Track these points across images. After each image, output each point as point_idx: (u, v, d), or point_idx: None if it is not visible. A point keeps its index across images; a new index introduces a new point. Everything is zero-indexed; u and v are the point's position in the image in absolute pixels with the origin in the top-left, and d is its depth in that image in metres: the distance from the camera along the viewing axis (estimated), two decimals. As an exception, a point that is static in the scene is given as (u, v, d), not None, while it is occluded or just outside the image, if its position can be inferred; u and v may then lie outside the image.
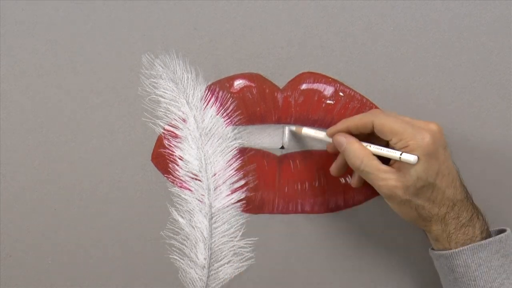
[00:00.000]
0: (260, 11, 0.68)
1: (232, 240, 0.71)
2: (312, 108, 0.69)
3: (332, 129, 0.66)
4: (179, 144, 0.69)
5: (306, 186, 0.70)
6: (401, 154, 0.60)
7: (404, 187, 0.61)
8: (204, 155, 0.69)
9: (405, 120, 0.62)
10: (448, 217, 0.62)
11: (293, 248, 0.72)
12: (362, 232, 0.72)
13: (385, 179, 0.62)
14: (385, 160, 0.63)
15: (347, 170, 0.67)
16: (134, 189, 0.69)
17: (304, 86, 0.69)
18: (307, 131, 0.68)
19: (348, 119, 0.65)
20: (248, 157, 0.70)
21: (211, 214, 0.70)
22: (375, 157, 0.63)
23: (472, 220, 0.63)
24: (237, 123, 0.69)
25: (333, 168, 0.68)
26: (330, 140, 0.66)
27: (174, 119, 0.69)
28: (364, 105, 0.69)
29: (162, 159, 0.69)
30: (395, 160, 0.62)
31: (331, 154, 0.70)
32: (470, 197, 0.64)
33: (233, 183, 0.70)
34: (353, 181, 0.68)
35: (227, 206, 0.70)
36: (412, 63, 0.70)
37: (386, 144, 0.63)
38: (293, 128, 0.69)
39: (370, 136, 0.64)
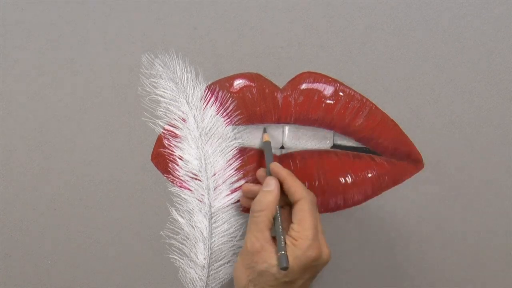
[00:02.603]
0: (260, 11, 0.68)
1: (232, 240, 0.71)
2: (312, 108, 0.69)
3: (276, 168, 0.65)
4: (179, 144, 0.69)
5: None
6: (281, 252, 0.60)
7: (262, 258, 0.60)
8: (204, 155, 0.69)
9: (317, 226, 0.62)
10: None
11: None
12: (362, 232, 0.72)
13: (257, 239, 0.61)
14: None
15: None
16: (134, 189, 0.69)
17: (304, 86, 0.69)
18: (264, 145, 0.68)
19: (292, 176, 0.64)
20: (248, 157, 0.70)
21: (211, 214, 0.70)
22: (271, 221, 0.62)
23: None
24: (237, 123, 0.69)
25: (260, 172, 0.68)
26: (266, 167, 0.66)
27: (174, 118, 0.69)
28: (364, 105, 0.69)
29: (162, 159, 0.69)
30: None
31: (332, 154, 0.70)
32: None
33: (233, 183, 0.70)
34: (242, 199, 0.68)
35: (227, 206, 0.70)
36: (412, 63, 0.70)
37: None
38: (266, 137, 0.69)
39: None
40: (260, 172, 0.68)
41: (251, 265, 0.61)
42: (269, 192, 0.64)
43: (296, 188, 0.63)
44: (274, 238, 0.62)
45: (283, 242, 0.60)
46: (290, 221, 0.63)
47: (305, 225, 0.61)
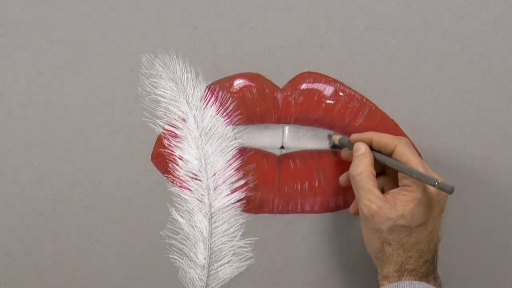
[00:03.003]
0: (260, 11, 0.68)
1: (232, 240, 0.71)
2: (312, 107, 0.69)
3: (358, 136, 0.66)
4: (179, 144, 0.69)
5: (306, 186, 0.70)
6: (437, 183, 0.58)
7: (384, 217, 0.61)
8: (204, 155, 0.69)
9: (422, 162, 0.62)
10: (407, 263, 0.61)
11: (293, 248, 0.72)
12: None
13: (370, 201, 0.61)
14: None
15: None
16: (134, 189, 0.69)
17: (304, 86, 0.69)
18: (336, 138, 0.69)
19: (375, 133, 0.66)
20: (248, 157, 0.70)
21: (211, 214, 0.70)
22: (374, 179, 0.63)
23: (426, 278, 0.62)
24: (237, 123, 0.69)
25: (343, 177, 0.68)
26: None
27: (174, 118, 0.69)
28: (364, 105, 0.69)
29: (162, 159, 0.69)
30: (392, 192, 0.62)
31: (332, 154, 0.70)
32: (436, 266, 0.63)
33: (233, 183, 0.70)
34: (342, 179, 0.68)
35: (227, 206, 0.70)
36: (412, 63, 0.70)
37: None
38: (336, 139, 0.69)
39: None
40: (343, 178, 0.68)
41: (377, 227, 0.61)
42: (361, 155, 0.64)
43: (386, 139, 0.64)
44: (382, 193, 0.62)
45: (419, 172, 0.60)
46: (392, 184, 0.64)
47: (413, 164, 0.61)
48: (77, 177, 0.69)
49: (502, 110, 0.71)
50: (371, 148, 0.65)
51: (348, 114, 0.69)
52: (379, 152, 0.65)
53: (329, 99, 0.69)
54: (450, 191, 0.57)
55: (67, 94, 0.68)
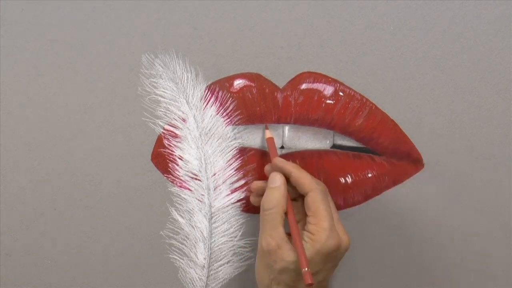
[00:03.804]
0: (260, 11, 0.68)
1: (232, 240, 0.71)
2: (312, 107, 0.69)
3: (280, 162, 0.65)
4: (179, 144, 0.69)
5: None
6: (304, 270, 0.59)
7: (280, 257, 0.60)
8: (204, 155, 0.69)
9: (332, 215, 0.62)
10: None
11: (293, 248, 0.72)
12: (362, 232, 0.72)
13: (272, 237, 0.61)
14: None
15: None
16: (134, 189, 0.69)
17: (304, 86, 0.69)
18: (268, 142, 0.68)
19: (298, 168, 0.64)
20: (248, 157, 0.70)
21: (211, 214, 0.70)
22: (283, 217, 0.62)
23: None
24: (237, 123, 0.69)
25: (253, 197, 0.68)
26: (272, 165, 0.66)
27: (174, 118, 0.69)
28: (364, 105, 0.69)
29: (162, 159, 0.69)
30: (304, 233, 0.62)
31: (332, 154, 0.70)
32: None
33: (233, 183, 0.70)
34: (252, 198, 0.68)
35: (227, 206, 0.70)
36: (412, 63, 0.70)
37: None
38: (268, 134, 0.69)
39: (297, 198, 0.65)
40: (268, 167, 0.67)
41: (270, 264, 0.61)
42: (275, 188, 0.63)
43: (304, 180, 0.63)
44: (288, 234, 0.62)
45: (301, 245, 0.60)
46: (304, 213, 0.63)
47: (320, 216, 0.61)
48: (77, 177, 0.69)
49: (502, 110, 0.71)
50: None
51: (348, 114, 0.69)
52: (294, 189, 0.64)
53: (329, 99, 0.69)
54: (308, 285, 0.58)
55: (67, 94, 0.68)
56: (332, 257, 0.61)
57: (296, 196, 0.65)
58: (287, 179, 0.64)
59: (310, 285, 0.58)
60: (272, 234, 0.61)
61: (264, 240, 0.62)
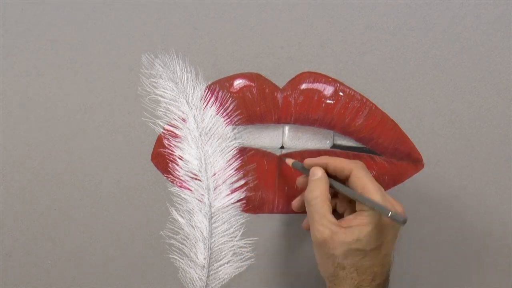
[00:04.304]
0: (260, 11, 0.68)
1: (232, 240, 0.71)
2: (312, 107, 0.69)
3: (312, 161, 0.65)
4: (179, 144, 0.69)
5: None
6: (390, 214, 0.58)
7: (338, 242, 0.60)
8: (204, 155, 0.69)
9: (379, 187, 0.62)
10: (360, 286, 0.61)
11: (293, 248, 0.72)
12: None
13: (324, 226, 0.61)
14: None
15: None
16: (134, 189, 0.69)
17: (304, 86, 0.69)
18: (289, 162, 0.68)
19: (331, 157, 0.65)
20: (248, 157, 0.70)
21: (211, 214, 0.70)
22: (329, 204, 0.62)
23: None
24: (237, 123, 0.69)
25: (296, 202, 0.68)
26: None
27: (174, 118, 0.69)
28: (364, 105, 0.69)
29: (162, 159, 0.69)
30: (347, 218, 0.61)
31: (332, 154, 0.70)
32: None
33: (233, 182, 0.70)
34: (295, 203, 0.68)
35: (227, 206, 0.70)
36: (412, 63, 0.70)
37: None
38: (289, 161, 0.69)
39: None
40: (300, 179, 0.67)
41: (330, 252, 0.61)
42: (317, 179, 0.63)
43: (341, 163, 0.63)
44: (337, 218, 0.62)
45: (374, 202, 0.59)
46: (348, 203, 0.64)
47: (370, 190, 0.61)
48: (77, 177, 0.69)
49: (502, 110, 0.71)
50: (327, 174, 0.64)
51: (348, 114, 0.69)
52: (335, 177, 0.64)
53: (329, 99, 0.69)
54: (402, 222, 0.57)
55: (67, 94, 0.68)
56: (391, 227, 0.61)
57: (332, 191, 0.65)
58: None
59: (405, 220, 0.57)
60: (323, 223, 0.61)
61: (316, 231, 0.61)
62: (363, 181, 0.61)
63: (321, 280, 0.72)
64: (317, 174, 0.64)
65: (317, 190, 0.62)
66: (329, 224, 0.61)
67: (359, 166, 0.63)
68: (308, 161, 0.66)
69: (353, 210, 0.63)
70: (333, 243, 0.60)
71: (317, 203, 0.62)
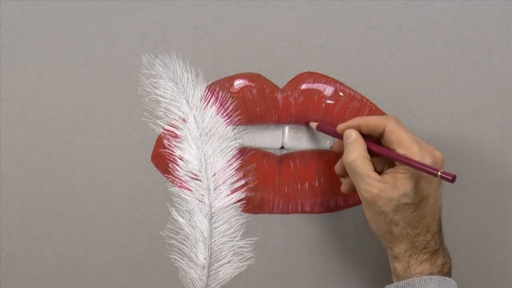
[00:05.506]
0: (260, 11, 0.68)
1: (232, 240, 0.71)
2: (312, 108, 0.69)
3: (344, 124, 0.66)
4: (179, 144, 0.69)
5: (306, 186, 0.70)
6: (440, 173, 0.58)
7: (386, 198, 0.60)
8: (204, 155, 0.69)
9: (414, 137, 0.62)
10: (417, 241, 0.61)
11: (293, 248, 0.72)
12: (362, 232, 0.72)
13: (370, 185, 0.61)
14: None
15: None
16: (134, 189, 0.69)
17: (304, 86, 0.69)
18: (313, 125, 0.68)
19: (362, 117, 0.66)
20: (248, 157, 0.70)
21: (211, 214, 0.70)
22: (370, 163, 0.62)
23: (437, 253, 0.62)
24: (237, 123, 0.69)
25: (338, 165, 0.68)
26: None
27: (174, 119, 0.69)
28: (364, 105, 0.69)
29: (162, 159, 0.69)
30: (389, 172, 0.62)
31: (332, 154, 0.70)
32: (442, 236, 0.64)
33: (233, 183, 0.70)
34: (343, 186, 0.68)
35: (227, 206, 0.70)
36: (412, 63, 0.70)
37: None
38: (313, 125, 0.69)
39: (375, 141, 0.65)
40: (336, 143, 0.68)
41: (381, 209, 0.61)
42: (353, 141, 0.64)
43: (374, 120, 0.64)
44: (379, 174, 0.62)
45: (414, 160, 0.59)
46: (385, 163, 0.64)
47: (406, 142, 0.61)
48: (77, 177, 0.69)
49: (502, 110, 0.71)
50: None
51: (348, 114, 0.69)
52: (369, 137, 0.64)
53: (329, 99, 0.69)
54: (452, 180, 0.57)
55: (67, 94, 0.68)
56: (438, 167, 0.60)
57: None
58: None
59: (454, 177, 0.57)
60: (368, 181, 0.61)
61: (363, 191, 0.61)
62: (398, 134, 0.62)
63: (321, 280, 0.72)
64: (352, 135, 0.64)
65: (355, 151, 0.63)
66: (374, 182, 0.61)
67: (392, 120, 0.63)
68: (340, 126, 0.66)
69: (392, 163, 0.63)
70: (382, 200, 0.60)
71: (358, 164, 0.62)
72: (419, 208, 0.61)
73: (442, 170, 0.58)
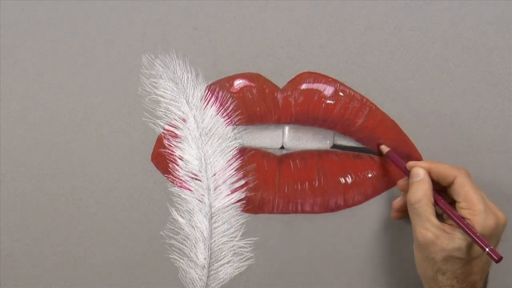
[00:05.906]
0: (260, 11, 0.68)
1: (232, 240, 0.71)
2: (312, 108, 0.69)
3: (414, 162, 0.66)
4: (179, 144, 0.69)
5: (306, 186, 0.70)
6: (488, 249, 0.59)
7: (440, 247, 0.60)
8: (204, 155, 0.69)
9: (481, 194, 0.62)
10: None
11: (293, 248, 0.72)
12: (362, 232, 0.72)
13: (427, 229, 0.61)
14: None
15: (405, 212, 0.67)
16: (134, 189, 0.69)
17: (304, 86, 0.69)
18: (384, 150, 0.69)
19: (435, 162, 0.65)
20: (248, 157, 0.70)
21: (211, 214, 0.70)
22: (432, 206, 0.63)
23: None
24: (237, 123, 0.69)
25: (398, 201, 0.68)
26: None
27: (174, 119, 0.69)
28: (364, 105, 0.69)
29: (162, 159, 0.69)
30: (450, 222, 0.62)
31: (332, 154, 0.70)
32: None
33: (233, 183, 0.70)
34: (395, 204, 0.68)
35: (227, 206, 0.70)
36: (412, 63, 0.70)
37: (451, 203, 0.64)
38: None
39: (441, 190, 0.65)
40: (402, 181, 0.68)
41: (431, 256, 0.61)
42: (420, 181, 0.63)
43: (445, 169, 0.63)
44: (440, 221, 0.62)
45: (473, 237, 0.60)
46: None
47: (472, 199, 0.61)
48: (77, 177, 0.69)
49: (502, 110, 0.71)
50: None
51: (348, 114, 0.69)
52: (437, 184, 0.64)
53: (329, 99, 0.69)
54: (497, 261, 0.58)
55: (67, 94, 0.68)
56: (493, 236, 0.61)
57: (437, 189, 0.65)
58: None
59: (501, 258, 0.58)
60: (426, 226, 0.61)
61: (419, 234, 0.61)
62: (466, 189, 0.62)
63: (321, 280, 0.72)
64: (420, 174, 0.64)
65: (420, 192, 0.63)
66: (432, 228, 0.61)
67: (463, 173, 0.63)
68: (410, 163, 0.66)
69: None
70: (435, 248, 0.60)
71: (421, 206, 0.62)
72: (469, 265, 0.61)
73: (491, 247, 0.58)
